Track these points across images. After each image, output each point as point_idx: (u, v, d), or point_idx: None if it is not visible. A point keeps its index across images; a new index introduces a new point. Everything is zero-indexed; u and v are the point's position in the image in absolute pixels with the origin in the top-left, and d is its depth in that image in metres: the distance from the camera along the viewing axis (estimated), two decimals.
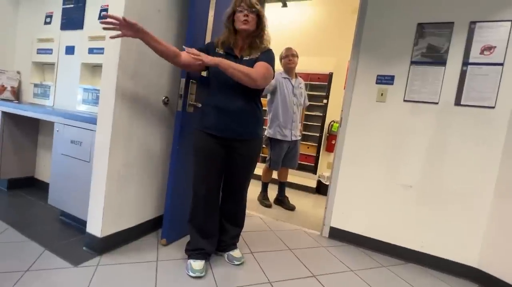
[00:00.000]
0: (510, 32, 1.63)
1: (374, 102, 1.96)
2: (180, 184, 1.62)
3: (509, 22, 1.63)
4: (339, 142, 2.08)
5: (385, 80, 1.93)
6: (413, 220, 1.84)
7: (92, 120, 1.51)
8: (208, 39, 1.62)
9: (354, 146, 2.03)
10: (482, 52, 1.69)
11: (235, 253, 1.55)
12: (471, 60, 1.71)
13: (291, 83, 2.57)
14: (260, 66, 1.30)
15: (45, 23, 2.22)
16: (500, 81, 1.64)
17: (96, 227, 1.42)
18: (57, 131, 1.69)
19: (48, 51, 2.19)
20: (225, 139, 1.36)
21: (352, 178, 2.03)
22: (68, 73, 2.10)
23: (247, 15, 1.31)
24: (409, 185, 1.85)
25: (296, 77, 2.64)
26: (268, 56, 1.36)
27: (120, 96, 1.40)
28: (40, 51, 2.24)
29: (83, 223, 1.54)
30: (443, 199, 1.77)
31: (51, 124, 1.79)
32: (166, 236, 1.61)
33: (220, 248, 1.56)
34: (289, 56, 2.53)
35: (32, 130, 2.27)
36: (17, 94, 2.34)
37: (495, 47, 1.66)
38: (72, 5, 2.05)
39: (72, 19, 2.06)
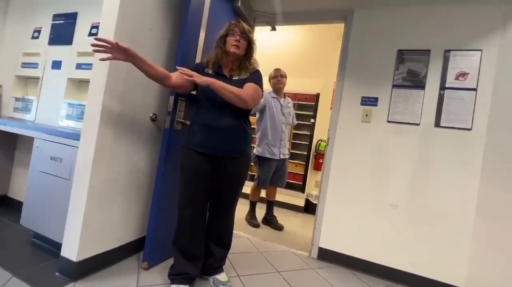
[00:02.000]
0: (481, 60, 1.76)
1: (360, 123, 2.02)
2: (164, 204, 1.56)
3: (479, 52, 1.77)
4: (326, 161, 2.11)
5: (370, 101, 2.01)
6: (401, 240, 1.84)
7: (75, 136, 1.46)
8: (198, 59, 1.64)
9: (341, 166, 2.05)
10: (457, 78, 1.81)
11: (221, 277, 1.48)
12: (447, 85, 1.83)
13: (280, 103, 2.62)
14: (250, 87, 1.32)
15: (33, 37, 2.19)
16: (474, 105, 1.75)
17: (71, 250, 1.32)
18: (37, 146, 1.62)
19: (34, 65, 2.15)
20: (213, 156, 1.35)
21: (340, 198, 2.03)
22: (53, 87, 2.05)
23: (238, 40, 1.36)
24: (396, 204, 1.88)
25: (284, 96, 2.70)
26: (256, 77, 1.39)
27: (106, 111, 1.37)
28: (24, 65, 2.19)
29: (58, 246, 1.43)
30: (428, 218, 1.79)
31: (30, 140, 1.71)
32: (147, 259, 1.52)
33: (205, 271, 1.48)
34: (278, 77, 2.60)
35: (9, 145, 2.16)
36: None
37: (468, 73, 1.78)
38: (62, 21, 2.05)
39: (61, 34, 2.05)
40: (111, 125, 1.40)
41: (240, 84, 1.34)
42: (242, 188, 1.50)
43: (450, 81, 1.82)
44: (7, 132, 1.83)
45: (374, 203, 1.93)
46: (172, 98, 1.52)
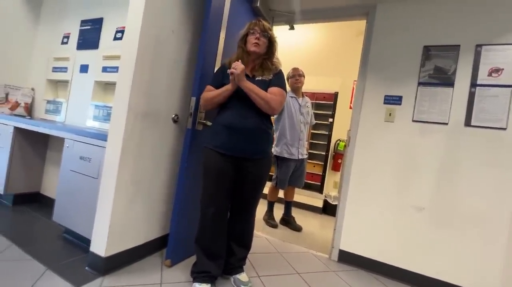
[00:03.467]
0: None
1: (383, 122, 1.95)
2: (187, 203, 1.59)
3: None
4: (347, 162, 2.06)
5: (393, 100, 1.94)
6: (427, 244, 1.76)
7: (103, 137, 1.52)
8: (219, 59, 1.66)
9: (362, 166, 2.00)
10: (490, 74, 1.70)
11: (242, 276, 1.48)
12: (479, 82, 1.72)
13: (298, 102, 2.59)
14: (278, 94, 1.34)
15: (62, 43, 2.31)
16: (510, 103, 1.64)
17: (100, 246, 1.38)
18: (67, 147, 1.70)
19: (63, 69, 2.27)
20: (235, 157, 1.35)
21: (361, 199, 1.98)
22: (80, 90, 2.16)
23: (258, 38, 1.37)
24: (422, 207, 1.80)
25: (302, 96, 2.67)
26: (281, 80, 1.41)
27: (132, 113, 1.41)
28: (55, 69, 2.32)
29: (87, 242, 1.50)
30: (458, 222, 1.70)
31: (61, 140, 1.81)
32: (171, 257, 1.56)
33: (226, 270, 1.49)
34: (296, 76, 2.58)
35: (42, 145, 2.29)
36: (29, 110, 2.39)
37: (502, 69, 1.67)
38: (89, 27, 2.15)
39: (88, 39, 2.15)
40: (136, 126, 1.45)
41: (263, 85, 1.34)
42: (263, 189, 1.50)
43: (482, 78, 1.71)
44: (40, 132, 1.94)
45: (397, 205, 1.86)
46: (193, 99, 1.54)
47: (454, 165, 1.74)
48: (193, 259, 1.47)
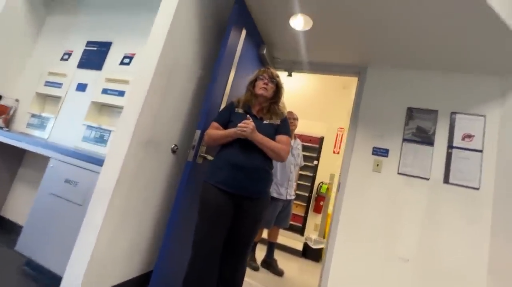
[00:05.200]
0: (485, 125, 1.90)
1: (371, 172, 2.07)
2: (177, 238, 1.50)
3: (483, 117, 1.92)
4: (336, 208, 2.10)
5: (380, 152, 2.09)
6: None
7: (96, 161, 1.44)
8: (226, 95, 1.73)
9: (351, 214, 2.04)
10: (463, 139, 1.93)
11: None
12: (454, 144, 1.94)
13: (291, 144, 2.68)
14: (286, 143, 1.43)
15: (62, 59, 2.27)
16: (481, 166, 1.84)
17: (74, 285, 1.21)
18: (52, 166, 1.57)
19: (57, 85, 2.19)
20: (236, 196, 1.34)
21: (348, 247, 1.99)
22: (72, 108, 2.07)
23: (266, 83, 1.48)
24: (406, 258, 1.85)
25: (295, 138, 2.78)
26: (287, 128, 1.50)
27: (135, 140, 1.37)
28: (47, 84, 2.23)
29: (53, 278, 1.32)
30: (439, 274, 1.76)
31: (38, 157, 1.67)
32: None
33: None
34: (291, 119, 2.69)
35: (14, 161, 2.09)
36: (8, 121, 2.22)
37: (474, 135, 1.91)
38: (95, 48, 2.15)
39: (92, 60, 2.13)
40: (137, 154, 1.40)
41: (271, 128, 1.42)
42: (258, 229, 1.47)
43: (457, 141, 1.93)
44: (14, 147, 1.78)
45: (383, 255, 1.90)
46: (198, 132, 1.55)
47: (435, 219, 1.85)
48: None
